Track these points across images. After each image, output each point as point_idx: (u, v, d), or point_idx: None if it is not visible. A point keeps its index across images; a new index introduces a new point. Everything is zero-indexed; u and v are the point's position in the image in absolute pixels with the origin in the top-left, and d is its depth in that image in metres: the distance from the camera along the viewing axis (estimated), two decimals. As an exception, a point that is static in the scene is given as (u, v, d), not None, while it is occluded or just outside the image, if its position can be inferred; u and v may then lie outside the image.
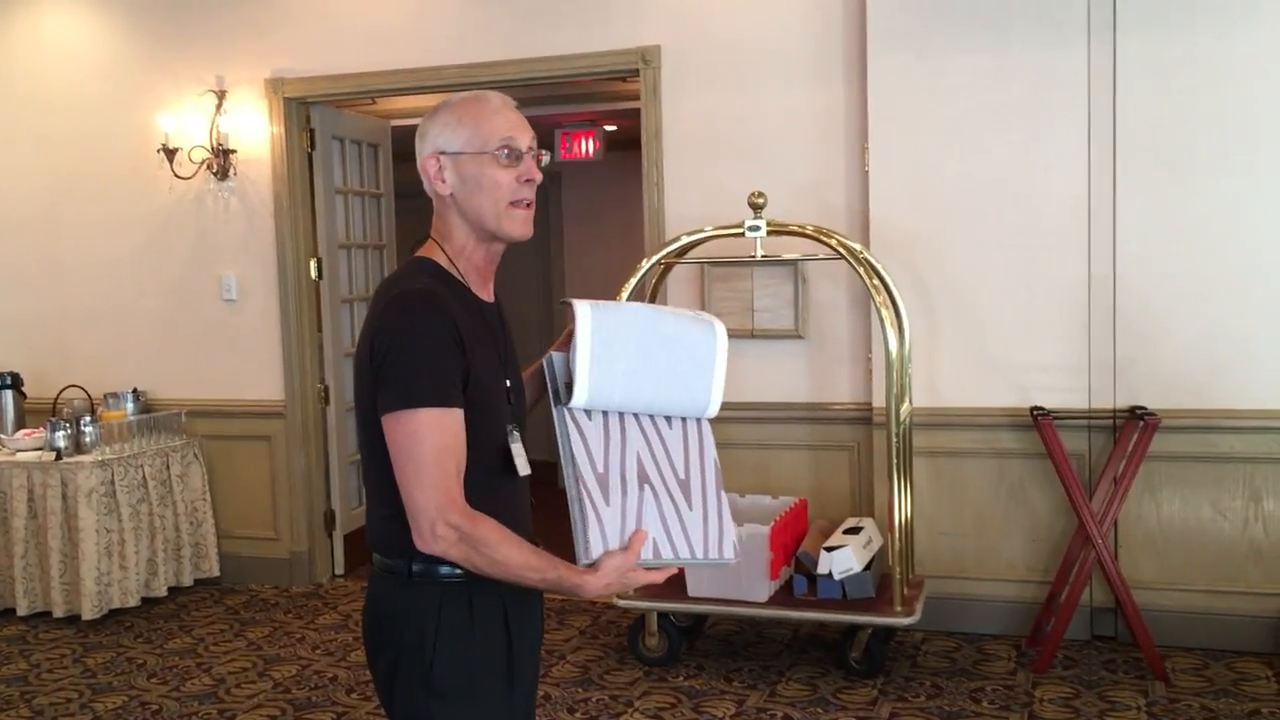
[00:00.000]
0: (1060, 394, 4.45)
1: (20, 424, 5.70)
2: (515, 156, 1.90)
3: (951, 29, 4.50)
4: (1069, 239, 4.43)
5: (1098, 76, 4.35)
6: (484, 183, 1.89)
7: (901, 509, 4.21)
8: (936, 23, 4.52)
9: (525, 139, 1.92)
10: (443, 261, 1.93)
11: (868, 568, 4.24)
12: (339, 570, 5.85)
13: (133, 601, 5.25)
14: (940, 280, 4.57)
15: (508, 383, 1.96)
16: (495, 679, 1.91)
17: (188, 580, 5.56)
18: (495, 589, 1.88)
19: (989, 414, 4.55)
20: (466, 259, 1.94)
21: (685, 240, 4.43)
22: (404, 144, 6.52)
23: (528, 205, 1.93)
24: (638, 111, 5.09)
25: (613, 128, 7.01)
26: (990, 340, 4.54)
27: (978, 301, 4.55)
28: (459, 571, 1.83)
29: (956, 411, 4.58)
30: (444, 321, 1.80)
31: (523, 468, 1.96)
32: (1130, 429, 4.26)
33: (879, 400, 4.56)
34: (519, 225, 1.93)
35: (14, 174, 5.96)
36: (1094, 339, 4.43)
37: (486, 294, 1.99)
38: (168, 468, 5.50)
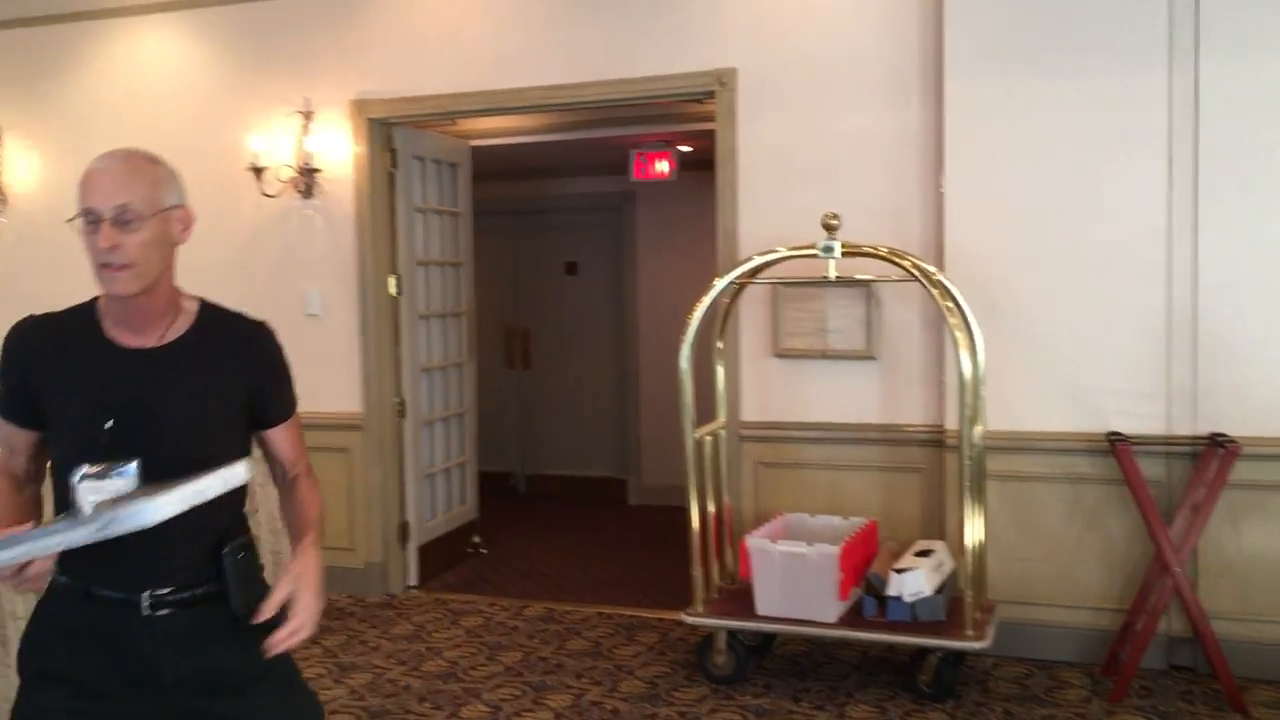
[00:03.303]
0: (1138, 420, 4.40)
1: (111, 432, 5.89)
2: (93, 223, 1.99)
3: (1030, 53, 4.49)
4: (1148, 264, 4.38)
5: (1179, 101, 4.31)
6: (84, 243, 2.02)
7: (973, 533, 4.19)
8: (1015, 46, 4.51)
9: (108, 204, 1.99)
10: (100, 302, 2.11)
11: (939, 591, 4.22)
12: (412, 581, 5.95)
13: (214, 607, 5.39)
14: (1015, 303, 4.54)
15: (108, 424, 2.03)
16: (53, 682, 2.08)
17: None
18: (59, 595, 2.10)
19: (1064, 438, 4.51)
20: (104, 305, 2.11)
21: (758, 260, 4.47)
22: (482, 164, 6.67)
23: (121, 267, 2.00)
24: (712, 132, 5.15)
25: (688, 148, 7.06)
26: (1066, 364, 4.50)
27: (1054, 325, 4.52)
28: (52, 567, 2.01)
29: (1031, 435, 4.55)
30: (12, 349, 2.12)
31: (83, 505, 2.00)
32: (1210, 456, 4.20)
33: (951, 423, 4.55)
34: (109, 285, 2.03)
35: (110, 191, 6.17)
36: (1173, 365, 4.37)
37: (138, 340, 2.09)
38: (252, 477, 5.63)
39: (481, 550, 6.60)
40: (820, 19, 4.90)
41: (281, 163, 5.72)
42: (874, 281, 4.64)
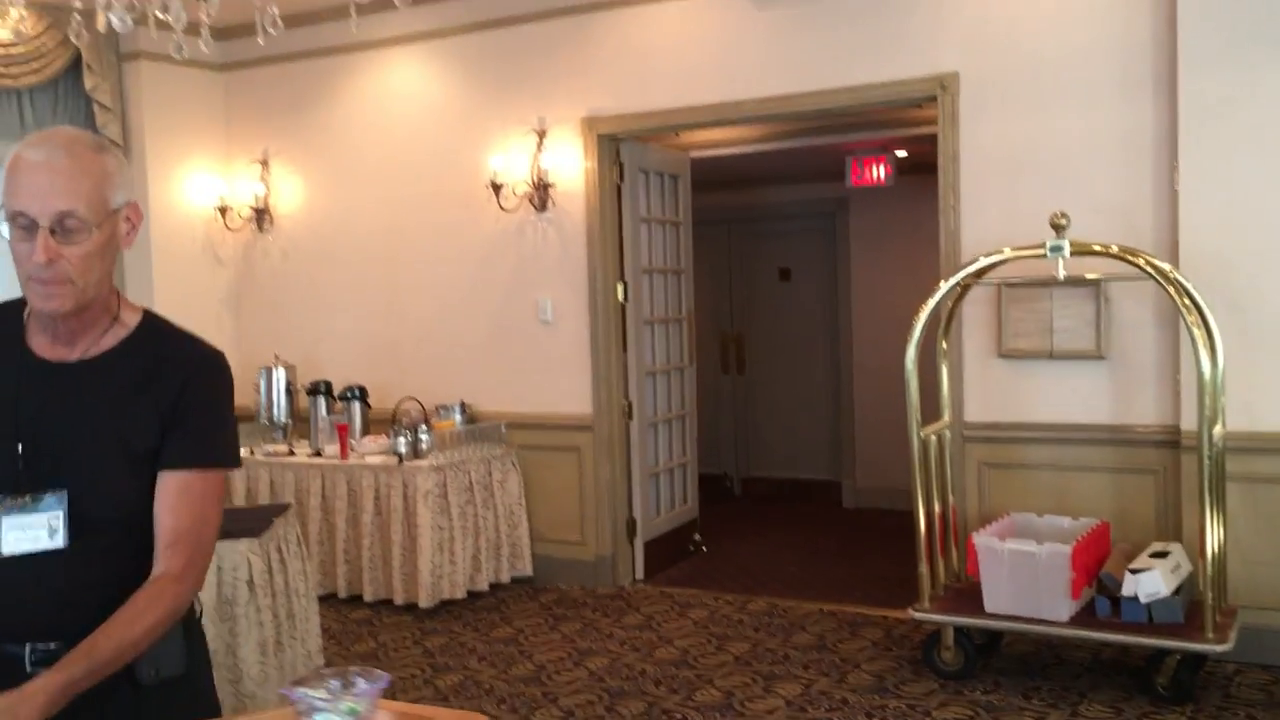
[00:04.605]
0: (1394, 420, 4.21)
1: (366, 431, 6.41)
2: (28, 229, 1.66)
3: (1269, 46, 4.37)
4: (1404, 256, 4.20)
5: None
6: (10, 249, 1.69)
7: (1213, 536, 4.11)
8: (1253, 40, 4.40)
9: (47, 210, 1.65)
10: (27, 307, 1.79)
11: (1176, 593, 4.15)
12: (639, 575, 6.22)
13: (460, 594, 5.79)
14: (1256, 301, 4.42)
15: (19, 448, 1.74)
16: None
17: (505, 577, 6.08)
18: None
19: (1311, 440, 4.35)
20: (32, 312, 1.78)
21: (984, 262, 4.51)
22: (700, 174, 6.91)
23: (58, 283, 1.68)
24: (928, 136, 5.20)
25: (903, 153, 7.10)
26: (1313, 363, 4.35)
27: (1298, 323, 4.37)
28: None
29: (1275, 437, 4.41)
30: None
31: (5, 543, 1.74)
32: None
33: (1188, 423, 4.46)
34: (39, 300, 1.71)
35: (364, 212, 6.71)
36: None
37: (58, 351, 1.79)
38: (490, 474, 6.04)
39: (702, 548, 6.82)
40: (1044, 18, 4.90)
41: (518, 179, 6.10)
42: (1104, 280, 4.60)
